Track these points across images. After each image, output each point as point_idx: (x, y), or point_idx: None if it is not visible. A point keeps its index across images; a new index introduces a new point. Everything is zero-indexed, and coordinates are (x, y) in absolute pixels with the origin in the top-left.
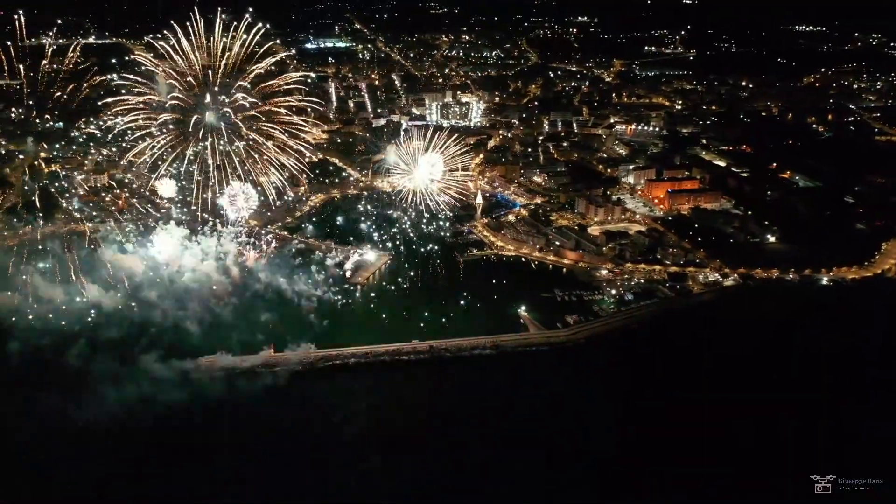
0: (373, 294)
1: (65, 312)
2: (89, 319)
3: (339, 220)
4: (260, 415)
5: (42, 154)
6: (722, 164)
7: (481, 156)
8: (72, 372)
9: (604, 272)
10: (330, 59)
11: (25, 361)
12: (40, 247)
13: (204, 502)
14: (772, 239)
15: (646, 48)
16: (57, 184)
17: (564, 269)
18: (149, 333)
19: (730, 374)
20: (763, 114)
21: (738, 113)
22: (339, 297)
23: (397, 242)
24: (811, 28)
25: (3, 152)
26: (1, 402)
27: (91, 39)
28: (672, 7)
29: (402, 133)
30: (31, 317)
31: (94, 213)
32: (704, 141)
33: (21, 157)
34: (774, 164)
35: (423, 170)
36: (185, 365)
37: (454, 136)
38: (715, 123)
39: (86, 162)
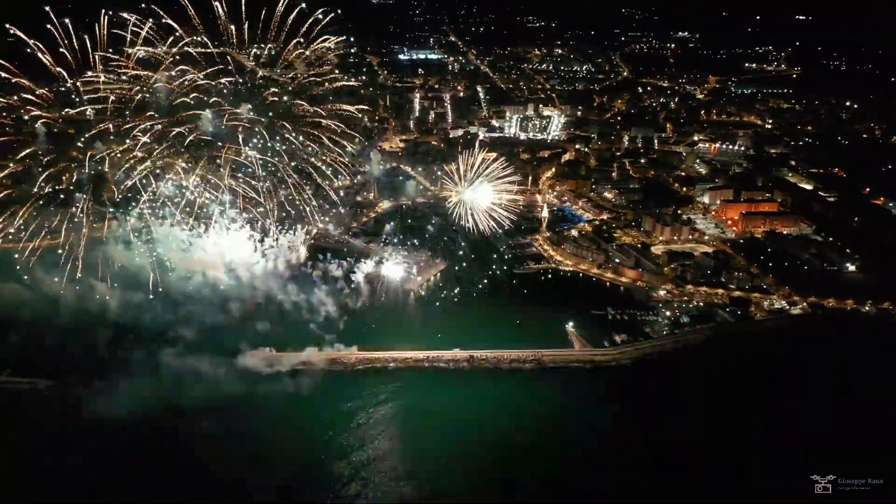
0: (424, 301)
1: (112, 306)
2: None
3: (403, 227)
4: (292, 411)
5: (139, 154)
6: (808, 187)
7: (553, 169)
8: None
9: (662, 293)
10: (420, 70)
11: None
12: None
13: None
14: (851, 268)
15: (746, 65)
16: (146, 181)
17: (622, 287)
18: (196, 327)
19: (781, 407)
20: (864, 136)
21: (835, 134)
22: (391, 301)
23: (456, 251)
24: None
25: (107, 152)
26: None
27: (198, 48)
28: (781, 23)
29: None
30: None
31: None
32: (793, 162)
33: (118, 156)
34: (867, 190)
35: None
36: (229, 359)
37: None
38: (808, 144)
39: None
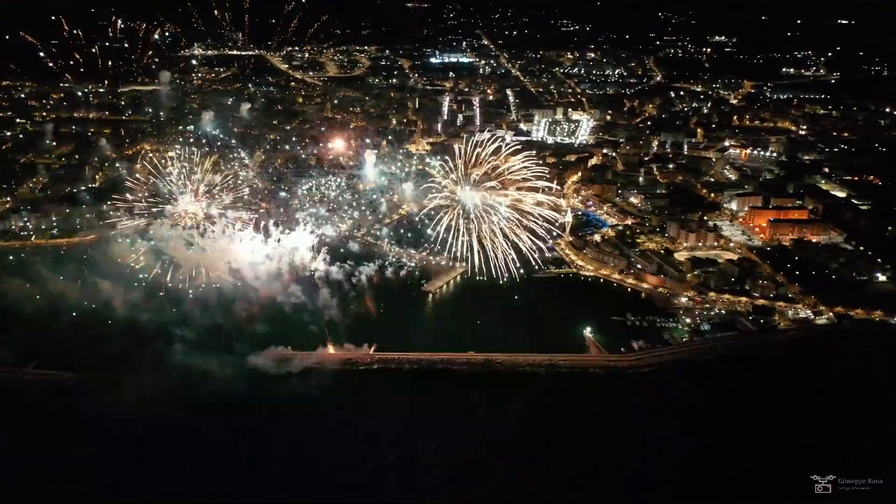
0: (442, 303)
1: (119, 304)
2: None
3: (425, 229)
4: (302, 411)
5: (169, 153)
6: (841, 194)
7: (579, 173)
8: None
9: (683, 300)
10: (450, 73)
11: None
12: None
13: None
14: (882, 278)
15: (783, 70)
16: (174, 180)
17: (643, 294)
18: (205, 327)
19: (800, 419)
20: None
21: (872, 141)
22: (409, 303)
23: (476, 253)
24: None
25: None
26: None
27: (234, 51)
28: (823, 27)
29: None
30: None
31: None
32: (827, 169)
33: (150, 155)
34: None
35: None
36: (239, 359)
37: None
38: (843, 151)
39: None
